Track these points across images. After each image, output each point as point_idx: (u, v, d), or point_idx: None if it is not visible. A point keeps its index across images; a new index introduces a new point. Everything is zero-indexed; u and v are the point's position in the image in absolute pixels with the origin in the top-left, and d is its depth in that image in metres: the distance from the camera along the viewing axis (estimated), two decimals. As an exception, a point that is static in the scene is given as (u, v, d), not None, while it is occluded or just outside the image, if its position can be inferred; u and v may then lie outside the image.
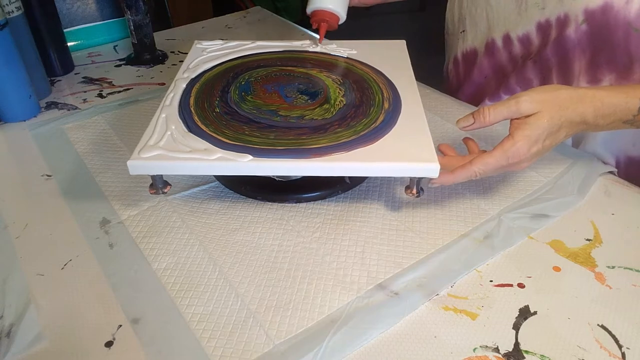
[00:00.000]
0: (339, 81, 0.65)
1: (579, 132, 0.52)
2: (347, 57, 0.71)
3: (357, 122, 0.56)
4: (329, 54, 0.72)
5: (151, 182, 0.54)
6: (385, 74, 0.66)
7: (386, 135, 0.53)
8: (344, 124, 0.56)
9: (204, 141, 0.52)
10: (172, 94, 0.60)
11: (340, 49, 0.72)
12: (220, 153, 0.50)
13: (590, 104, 0.49)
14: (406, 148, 0.51)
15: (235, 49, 0.72)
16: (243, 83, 0.63)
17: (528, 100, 0.48)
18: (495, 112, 0.49)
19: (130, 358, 0.42)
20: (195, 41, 0.73)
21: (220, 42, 0.73)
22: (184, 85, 0.62)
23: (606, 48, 0.58)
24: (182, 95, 0.60)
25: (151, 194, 0.55)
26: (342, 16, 0.70)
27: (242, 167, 0.50)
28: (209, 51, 0.71)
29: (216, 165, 0.50)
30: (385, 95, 0.62)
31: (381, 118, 0.57)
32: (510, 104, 0.49)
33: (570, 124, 0.49)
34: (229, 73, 0.66)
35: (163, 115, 0.56)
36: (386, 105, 0.60)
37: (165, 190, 0.55)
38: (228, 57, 0.70)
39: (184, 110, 0.57)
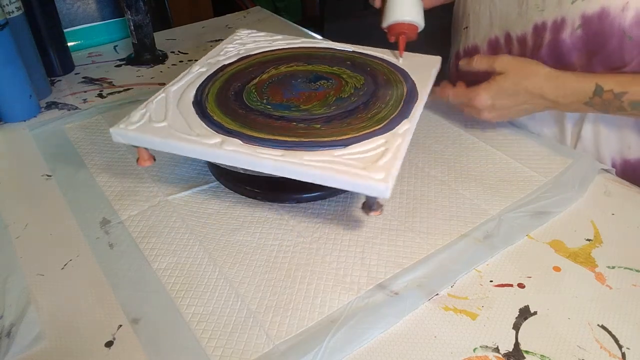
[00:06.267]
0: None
1: (544, 107, 0.61)
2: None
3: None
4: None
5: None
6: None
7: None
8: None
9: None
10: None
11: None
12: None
13: (553, 83, 0.57)
14: None
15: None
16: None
17: (503, 61, 0.59)
18: (480, 62, 0.62)
19: (130, 358, 0.42)
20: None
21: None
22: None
23: (600, 54, 0.59)
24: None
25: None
26: (421, 25, 0.66)
27: None
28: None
29: None
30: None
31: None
32: (490, 60, 0.61)
33: (529, 94, 0.58)
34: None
35: None
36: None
37: None
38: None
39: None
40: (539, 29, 0.63)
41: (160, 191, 0.60)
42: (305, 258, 0.51)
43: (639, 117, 0.61)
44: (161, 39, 1.03)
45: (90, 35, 1.01)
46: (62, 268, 0.51)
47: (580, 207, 0.58)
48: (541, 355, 0.42)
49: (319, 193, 0.59)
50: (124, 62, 0.95)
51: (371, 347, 0.43)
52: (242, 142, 0.50)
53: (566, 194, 0.58)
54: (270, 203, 0.59)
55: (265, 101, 0.58)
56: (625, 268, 0.50)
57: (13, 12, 0.74)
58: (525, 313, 0.46)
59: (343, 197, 0.59)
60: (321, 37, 0.80)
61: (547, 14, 0.62)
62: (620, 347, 0.43)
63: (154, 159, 0.56)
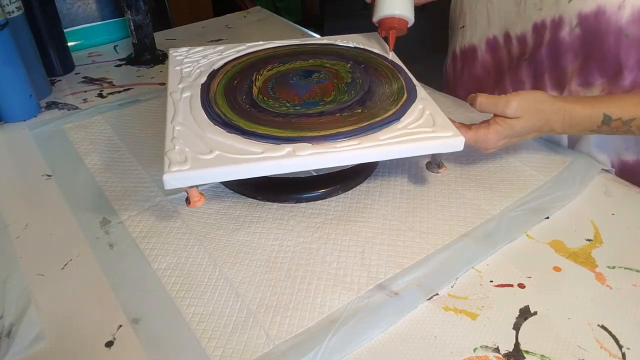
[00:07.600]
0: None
1: (548, 134, 0.58)
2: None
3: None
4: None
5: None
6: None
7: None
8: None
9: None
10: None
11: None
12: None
13: (561, 117, 0.55)
14: None
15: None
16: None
17: (514, 107, 0.53)
18: (487, 105, 0.55)
19: (130, 358, 0.42)
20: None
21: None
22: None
23: (597, 52, 0.59)
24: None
25: None
26: (411, 19, 0.66)
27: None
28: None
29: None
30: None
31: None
32: (499, 104, 0.54)
33: (539, 130, 0.56)
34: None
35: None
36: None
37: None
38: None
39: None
40: (539, 28, 0.63)
41: (160, 191, 0.60)
42: (305, 258, 0.51)
43: None
44: (161, 39, 1.03)
45: (90, 35, 1.01)
46: (62, 268, 0.51)
47: (580, 207, 0.58)
48: (541, 355, 0.42)
49: (319, 193, 0.59)
50: (124, 62, 0.95)
51: (371, 347, 0.43)
52: (311, 144, 0.50)
53: (567, 190, 0.58)
54: (270, 203, 0.59)
55: (289, 104, 0.57)
56: (625, 268, 0.50)
57: (13, 12, 0.74)
58: (525, 313, 0.46)
59: (343, 197, 0.59)
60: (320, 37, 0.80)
61: (545, 12, 0.62)
62: (620, 347, 0.43)
63: (204, 197, 0.53)
